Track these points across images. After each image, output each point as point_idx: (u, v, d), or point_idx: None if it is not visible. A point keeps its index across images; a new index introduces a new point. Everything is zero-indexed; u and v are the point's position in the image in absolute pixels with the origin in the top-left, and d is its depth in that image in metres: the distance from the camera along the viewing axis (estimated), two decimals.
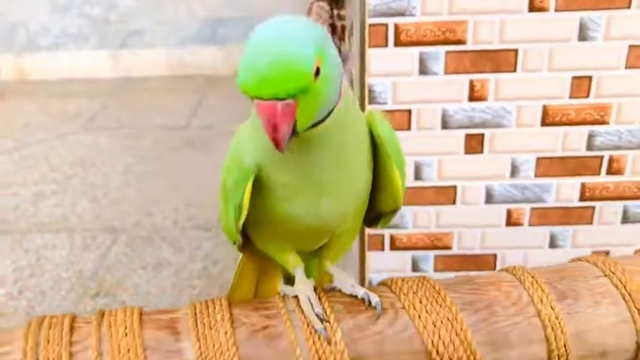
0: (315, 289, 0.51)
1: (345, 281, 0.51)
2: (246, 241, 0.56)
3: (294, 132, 0.42)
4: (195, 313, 0.48)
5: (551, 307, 0.47)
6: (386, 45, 0.94)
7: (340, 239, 0.55)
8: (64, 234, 2.05)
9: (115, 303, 1.80)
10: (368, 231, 1.05)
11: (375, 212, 0.56)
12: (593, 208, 1.03)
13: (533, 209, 1.03)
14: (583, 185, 1.02)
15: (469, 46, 0.94)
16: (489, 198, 1.03)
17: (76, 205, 2.24)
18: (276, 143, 0.41)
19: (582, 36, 0.92)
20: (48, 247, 1.98)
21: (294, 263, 0.54)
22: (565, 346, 0.47)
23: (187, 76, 3.57)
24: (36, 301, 1.76)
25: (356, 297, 0.49)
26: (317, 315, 0.47)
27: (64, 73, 3.56)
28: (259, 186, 0.48)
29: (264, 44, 0.41)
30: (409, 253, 1.07)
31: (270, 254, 0.55)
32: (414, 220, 1.04)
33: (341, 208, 0.50)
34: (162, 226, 2.09)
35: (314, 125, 0.43)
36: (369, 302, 0.48)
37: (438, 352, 0.46)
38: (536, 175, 1.01)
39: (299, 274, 0.53)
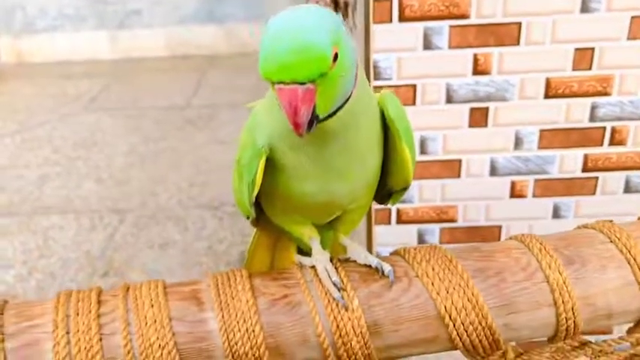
0: (331, 259, 0.53)
1: (359, 252, 0.53)
2: (260, 214, 0.57)
3: (316, 118, 0.43)
4: (217, 284, 0.50)
5: (559, 273, 0.49)
6: (390, 20, 0.95)
7: (352, 214, 0.57)
8: (71, 215, 2.08)
9: (124, 282, 1.83)
10: (375, 205, 1.07)
11: (386, 189, 0.57)
12: (596, 178, 1.05)
13: (536, 181, 1.05)
14: (586, 156, 1.04)
15: (473, 20, 0.94)
16: (493, 170, 1.04)
17: (81, 186, 2.26)
18: (297, 127, 0.42)
19: (584, 8, 0.93)
20: (55, 229, 2.01)
21: (309, 234, 0.55)
22: (573, 309, 0.49)
23: (187, 55, 3.56)
24: (45, 282, 1.79)
25: (370, 266, 0.51)
26: (334, 284, 0.49)
27: (62, 54, 3.55)
28: (272, 164, 0.50)
29: (284, 32, 0.42)
30: (415, 227, 1.09)
31: (285, 227, 0.57)
32: (420, 193, 1.06)
33: (352, 187, 0.52)
34: (167, 205, 2.11)
35: (333, 113, 0.45)
36: (382, 271, 0.50)
37: (451, 317, 0.48)
38: (539, 147, 1.03)
39: (315, 245, 0.54)
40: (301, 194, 0.51)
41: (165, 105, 2.97)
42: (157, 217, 2.06)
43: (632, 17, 0.94)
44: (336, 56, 0.42)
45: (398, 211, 1.08)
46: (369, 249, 1.12)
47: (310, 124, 0.43)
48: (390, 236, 1.08)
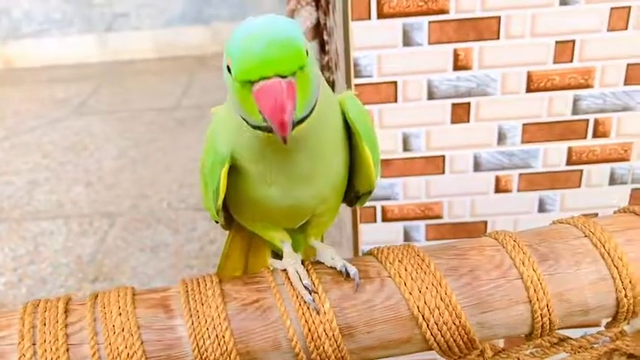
0: (302, 262, 0.52)
1: (327, 254, 0.53)
2: (232, 218, 0.57)
3: (294, 122, 0.42)
4: (187, 291, 0.49)
5: (533, 269, 0.48)
6: (369, 17, 0.94)
7: (321, 217, 0.56)
8: (61, 220, 2.06)
9: (114, 286, 1.82)
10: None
11: (354, 192, 0.57)
12: (581, 171, 1.05)
13: (521, 175, 1.05)
14: (570, 149, 1.03)
15: (452, 15, 0.93)
16: (477, 166, 1.04)
17: (71, 191, 2.25)
18: (283, 127, 0.40)
19: (563, 0, 0.92)
20: (45, 234, 2.00)
21: (280, 238, 0.55)
22: (547, 306, 0.48)
23: (175, 57, 3.55)
24: (36, 288, 1.78)
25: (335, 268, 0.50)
26: (305, 286, 0.49)
27: (50, 59, 3.53)
28: (236, 171, 0.49)
29: (257, 32, 0.42)
30: (401, 224, 1.08)
31: (256, 231, 0.56)
32: (405, 190, 1.05)
33: (318, 191, 0.51)
34: (157, 208, 2.10)
35: (301, 121, 0.43)
36: (347, 273, 0.49)
37: (424, 317, 0.47)
38: (522, 142, 1.02)
39: (286, 248, 0.54)
40: (267, 200, 0.50)
41: (154, 107, 2.96)
42: (147, 220, 2.05)
43: (612, 8, 0.93)
44: (306, 53, 0.42)
45: (383, 208, 1.07)
46: (356, 247, 1.11)
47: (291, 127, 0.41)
48: (376, 235, 1.08)
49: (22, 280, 1.80)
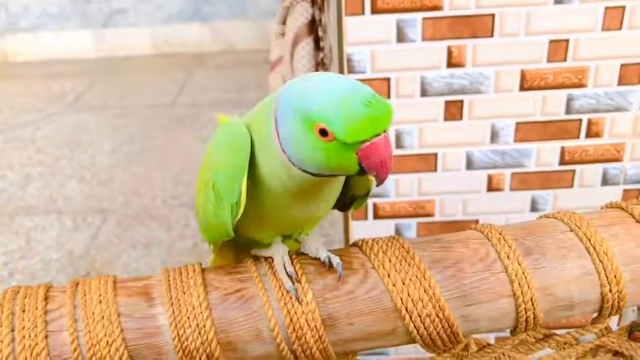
0: (288, 252, 0.52)
1: (310, 245, 0.52)
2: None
3: None
4: (169, 279, 0.49)
5: (518, 263, 0.48)
6: (362, 13, 0.93)
7: (318, 221, 0.57)
8: (54, 216, 2.05)
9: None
10: None
11: (349, 195, 0.57)
12: (574, 171, 1.04)
13: (513, 174, 1.04)
14: (563, 149, 1.03)
15: (446, 12, 0.93)
16: (470, 164, 1.03)
17: (65, 186, 2.24)
18: (386, 174, 0.44)
19: None
20: (37, 229, 1.99)
21: (272, 237, 0.54)
22: (532, 300, 0.48)
23: (172, 54, 3.54)
24: (26, 282, 1.76)
25: (319, 259, 0.50)
26: (289, 275, 0.48)
27: (47, 54, 3.52)
28: (249, 186, 0.49)
29: (348, 94, 0.43)
30: (392, 222, 1.08)
31: (250, 237, 0.55)
32: (397, 188, 1.05)
33: (328, 201, 0.53)
34: (151, 204, 2.09)
35: None
36: (330, 264, 0.49)
37: (407, 309, 0.47)
38: (515, 140, 1.02)
39: (276, 239, 0.53)
40: (279, 215, 0.51)
41: (150, 104, 2.95)
42: (140, 216, 2.05)
43: (606, 8, 0.93)
44: None
45: (374, 206, 1.07)
46: (346, 245, 1.11)
47: None
48: (367, 232, 1.07)
49: (12, 274, 1.79)
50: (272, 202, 0.49)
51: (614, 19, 0.93)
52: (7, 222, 2.04)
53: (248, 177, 0.48)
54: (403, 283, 0.47)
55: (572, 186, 1.06)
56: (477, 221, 1.08)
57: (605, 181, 1.05)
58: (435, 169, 1.04)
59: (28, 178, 2.32)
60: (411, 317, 0.47)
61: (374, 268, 0.49)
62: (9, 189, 2.25)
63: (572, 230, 0.50)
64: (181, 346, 0.46)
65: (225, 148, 0.49)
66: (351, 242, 1.08)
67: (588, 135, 1.02)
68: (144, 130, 2.68)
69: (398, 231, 1.08)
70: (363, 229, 1.08)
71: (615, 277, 0.48)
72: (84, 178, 2.30)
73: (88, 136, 2.64)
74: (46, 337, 0.45)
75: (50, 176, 2.32)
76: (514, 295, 0.48)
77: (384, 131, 0.43)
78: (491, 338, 0.84)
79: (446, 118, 1.00)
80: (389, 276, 0.48)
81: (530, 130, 1.01)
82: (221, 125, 0.52)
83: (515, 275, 0.48)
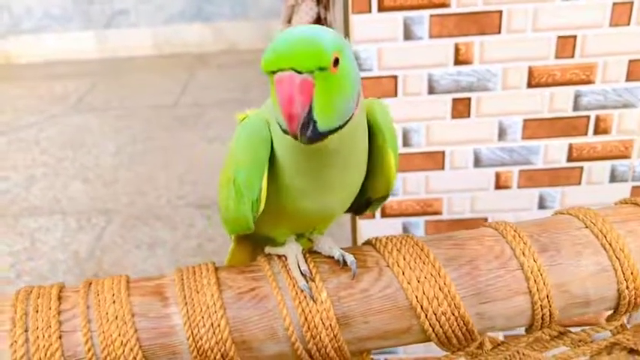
0: (302, 251, 0.51)
1: (324, 243, 0.52)
2: None
3: (313, 123, 0.42)
4: (182, 279, 0.48)
5: (534, 260, 0.48)
6: (369, 10, 0.93)
7: (333, 219, 0.57)
8: (58, 216, 2.05)
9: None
10: None
11: (365, 198, 0.56)
12: (581, 168, 1.04)
13: (521, 171, 1.04)
14: (570, 146, 1.02)
15: (453, 9, 0.93)
16: (477, 162, 1.03)
17: (69, 187, 2.24)
18: (291, 119, 0.41)
19: None
20: (42, 230, 1.98)
21: (287, 234, 0.54)
22: (548, 297, 0.48)
23: (175, 54, 3.54)
24: (34, 284, 1.76)
25: (333, 258, 0.50)
26: (303, 273, 0.48)
27: (49, 55, 3.52)
28: (268, 181, 0.49)
29: (289, 32, 0.44)
30: (400, 220, 1.08)
31: (265, 233, 0.55)
32: (404, 186, 1.05)
33: (343, 199, 0.52)
34: (155, 205, 2.09)
35: (332, 132, 0.44)
36: (344, 262, 0.49)
37: (422, 307, 0.47)
38: (523, 138, 1.01)
39: (290, 237, 0.53)
40: (296, 208, 0.50)
41: (153, 104, 2.95)
42: (145, 216, 2.04)
43: (614, 4, 0.92)
44: (337, 62, 0.43)
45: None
46: (354, 244, 1.11)
47: (311, 135, 0.42)
48: (375, 230, 1.07)
49: (20, 276, 1.79)
50: (289, 191, 0.49)
51: (622, 14, 0.93)
52: (12, 223, 2.04)
53: (269, 172, 0.48)
54: (418, 281, 0.47)
55: (580, 183, 1.05)
56: (485, 219, 1.07)
57: (614, 177, 1.04)
58: (443, 167, 1.03)
59: (32, 179, 2.32)
60: (426, 315, 0.47)
61: (388, 266, 0.48)
62: (13, 190, 2.25)
63: (587, 227, 0.50)
64: (196, 346, 0.46)
65: (245, 145, 0.50)
66: (358, 241, 1.08)
67: (596, 132, 1.01)
68: (147, 130, 2.67)
69: (406, 229, 1.08)
70: (370, 227, 1.07)
71: (632, 273, 0.47)
72: (88, 178, 2.30)
73: (92, 137, 2.64)
74: (60, 337, 0.45)
75: (54, 177, 2.32)
76: (530, 292, 0.48)
77: (297, 70, 0.41)
78: (499, 336, 0.84)
79: (453, 116, 1.00)
80: (403, 274, 0.47)
81: (537, 127, 1.01)
82: (241, 122, 0.52)
83: (531, 272, 0.47)
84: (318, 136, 0.43)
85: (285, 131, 0.44)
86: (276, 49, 0.42)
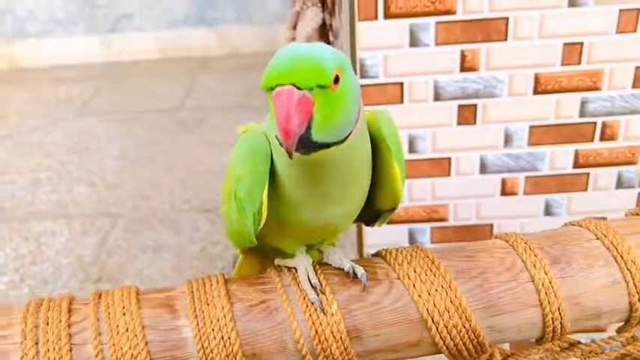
0: (312, 263, 0.51)
1: (334, 255, 0.52)
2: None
3: (310, 140, 0.42)
4: (192, 291, 0.48)
5: (545, 272, 0.48)
6: (375, 18, 0.93)
7: (339, 231, 0.57)
8: (63, 220, 2.06)
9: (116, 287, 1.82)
10: None
11: (373, 211, 0.56)
12: (588, 174, 1.04)
13: (527, 178, 1.04)
14: (577, 152, 1.02)
15: (459, 16, 0.93)
16: (483, 168, 1.03)
17: (73, 191, 2.24)
18: (287, 135, 0.40)
19: (572, 2, 0.91)
20: (47, 234, 1.99)
21: (296, 246, 0.54)
22: (559, 309, 0.47)
23: (179, 58, 3.55)
24: (38, 288, 1.76)
25: (343, 270, 0.50)
26: (314, 286, 0.48)
27: (54, 59, 3.53)
28: (269, 193, 0.49)
29: (290, 49, 0.44)
30: (406, 227, 1.08)
31: (273, 245, 0.55)
32: (410, 193, 1.05)
33: (346, 211, 0.52)
34: (159, 209, 2.09)
35: (331, 145, 0.44)
36: (355, 275, 0.49)
37: (433, 320, 0.46)
38: (529, 144, 1.01)
39: (300, 249, 0.53)
40: (298, 221, 0.50)
41: (157, 108, 2.95)
42: (149, 220, 2.04)
43: (621, 10, 0.92)
44: (337, 79, 0.43)
45: None
46: (360, 250, 1.11)
47: (304, 144, 0.42)
48: (381, 237, 1.07)
49: (23, 280, 1.80)
50: (290, 203, 0.49)
51: (628, 21, 0.93)
52: (17, 227, 2.05)
53: (269, 184, 0.48)
54: (429, 294, 0.47)
55: (586, 189, 1.05)
56: (491, 226, 1.07)
57: (620, 184, 1.04)
58: (449, 174, 1.03)
59: (37, 183, 2.32)
60: (437, 328, 0.46)
61: (399, 278, 0.48)
62: (18, 194, 2.26)
63: (598, 238, 0.50)
64: (206, 359, 0.45)
65: (245, 159, 0.50)
66: (364, 247, 1.07)
67: (603, 138, 1.01)
68: (151, 134, 2.68)
69: (411, 236, 1.08)
70: (376, 234, 1.07)
71: None
72: (92, 182, 2.30)
73: (96, 141, 2.64)
74: (70, 350, 0.45)
75: (59, 181, 2.33)
76: (541, 305, 0.47)
77: (296, 87, 0.41)
78: (506, 345, 0.83)
79: (459, 123, 1.00)
80: (414, 286, 0.47)
81: (544, 134, 1.01)
82: (242, 135, 0.52)
83: (542, 285, 0.47)
84: (312, 148, 0.43)
85: (282, 144, 0.44)
86: (276, 66, 0.42)
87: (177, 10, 3.49)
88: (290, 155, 0.41)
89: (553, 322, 0.48)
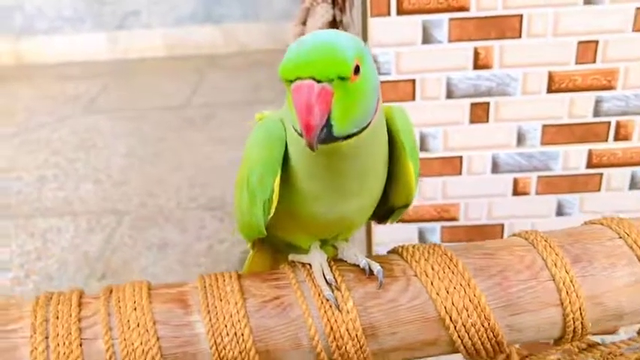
0: (327, 259, 0.50)
1: (350, 251, 0.51)
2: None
3: (330, 131, 0.42)
4: (205, 286, 0.47)
5: (566, 271, 0.46)
6: (388, 14, 0.92)
7: (354, 226, 0.56)
8: (69, 217, 2.05)
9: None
10: None
11: (387, 207, 0.55)
12: (601, 174, 1.02)
13: (539, 178, 1.02)
14: (590, 152, 1.01)
15: (473, 13, 0.92)
16: (495, 167, 1.02)
17: (80, 188, 2.24)
18: (308, 129, 0.40)
19: None
20: (53, 231, 1.98)
21: (310, 241, 0.53)
22: (580, 309, 0.46)
23: (185, 56, 3.54)
24: (43, 284, 1.76)
25: (359, 266, 0.49)
26: (329, 282, 0.47)
27: (61, 56, 3.53)
28: (281, 182, 0.48)
29: (309, 39, 0.43)
30: (416, 225, 1.06)
31: (286, 239, 0.55)
32: (420, 191, 1.04)
33: (361, 205, 0.51)
34: (166, 206, 2.08)
35: (350, 136, 0.43)
36: (371, 271, 0.48)
37: (451, 318, 0.45)
38: (542, 143, 1.00)
39: (314, 244, 0.52)
40: (311, 214, 0.50)
41: (164, 105, 2.95)
42: (155, 218, 2.04)
43: (637, 8, 0.91)
44: (357, 69, 0.42)
45: None
46: (369, 248, 1.09)
47: (324, 137, 0.41)
48: (390, 235, 1.06)
49: (28, 275, 1.79)
50: (303, 195, 0.49)
51: None
52: (23, 223, 2.04)
53: (282, 174, 0.48)
54: (447, 292, 0.46)
55: (599, 190, 1.04)
56: (502, 226, 1.06)
57: (634, 185, 1.03)
58: (460, 173, 1.02)
59: (44, 179, 2.32)
60: (455, 327, 0.45)
61: (416, 275, 0.47)
62: (24, 190, 2.25)
63: (620, 237, 0.49)
64: (219, 355, 0.45)
65: (259, 145, 0.49)
66: (373, 244, 1.06)
67: (617, 138, 1.00)
68: (158, 131, 2.67)
69: (421, 235, 1.07)
70: (385, 232, 1.06)
71: None
72: (99, 179, 2.30)
73: (103, 138, 2.64)
74: (81, 344, 0.44)
75: (65, 178, 2.32)
76: (562, 304, 0.46)
77: (316, 79, 0.41)
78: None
79: (472, 121, 0.99)
80: (432, 284, 0.46)
81: (557, 133, 0.99)
82: (258, 122, 0.51)
83: (563, 284, 0.46)
84: (332, 140, 0.42)
85: (301, 134, 0.44)
86: (295, 57, 0.42)
87: (184, 7, 3.49)
88: (312, 148, 0.41)
89: (574, 323, 0.47)
